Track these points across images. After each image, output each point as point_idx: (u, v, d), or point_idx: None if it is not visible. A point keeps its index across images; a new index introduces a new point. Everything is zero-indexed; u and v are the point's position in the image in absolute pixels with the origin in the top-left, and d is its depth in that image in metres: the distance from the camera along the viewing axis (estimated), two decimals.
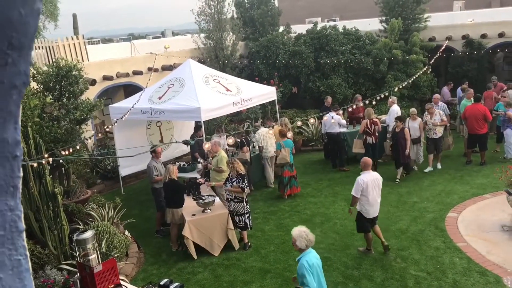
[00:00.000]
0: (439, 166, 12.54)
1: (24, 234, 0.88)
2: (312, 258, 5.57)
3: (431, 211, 9.93)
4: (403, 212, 10.02)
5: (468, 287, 7.09)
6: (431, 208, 10.08)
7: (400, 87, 13.15)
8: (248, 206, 9.16)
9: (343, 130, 13.29)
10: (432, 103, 13.01)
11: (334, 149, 13.35)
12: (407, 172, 12.18)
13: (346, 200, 10.97)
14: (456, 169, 12.42)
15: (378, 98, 10.78)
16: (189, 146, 13.20)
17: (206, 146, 9.65)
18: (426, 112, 12.53)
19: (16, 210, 0.87)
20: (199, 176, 11.01)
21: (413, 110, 12.59)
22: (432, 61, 15.59)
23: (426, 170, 12.38)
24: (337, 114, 13.00)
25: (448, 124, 13.12)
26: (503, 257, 7.79)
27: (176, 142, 11.41)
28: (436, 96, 13.73)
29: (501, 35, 16.71)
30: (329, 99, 14.59)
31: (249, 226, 9.13)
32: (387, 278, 7.55)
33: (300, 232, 5.65)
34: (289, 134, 11.37)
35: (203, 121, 11.10)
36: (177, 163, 11.76)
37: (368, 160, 8.20)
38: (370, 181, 7.93)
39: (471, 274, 7.41)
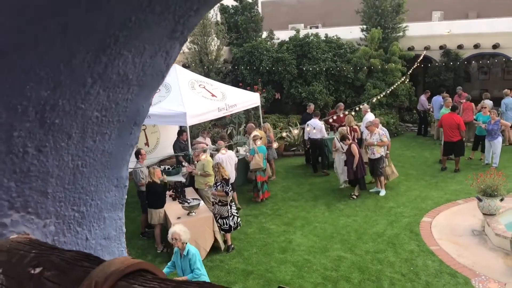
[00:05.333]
0: (382, 193, 11.70)
1: (124, 234, 1.42)
2: (194, 248, 6.63)
3: (407, 216, 10.39)
4: (380, 217, 10.46)
5: None
6: (407, 213, 10.54)
7: (379, 97, 13.56)
8: (232, 209, 9.48)
9: (325, 136, 13.69)
10: (373, 122, 12.10)
11: (316, 154, 13.73)
12: (364, 189, 11.80)
13: (326, 204, 11.37)
14: (432, 176, 12.94)
15: (357, 108, 11.20)
16: (172, 149, 13.41)
17: (203, 157, 10.06)
18: (367, 131, 11.91)
19: (122, 219, 1.41)
20: (184, 180, 11.28)
21: (342, 129, 12.22)
22: (411, 71, 16.14)
23: (372, 190, 11.92)
24: (319, 120, 13.36)
25: (388, 152, 12.11)
26: (473, 260, 8.27)
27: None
28: (376, 120, 12.44)
29: (476, 46, 17.38)
30: (312, 106, 14.99)
31: (232, 228, 9.43)
32: (363, 279, 7.94)
33: (180, 227, 6.54)
34: (275, 145, 11.74)
35: (188, 126, 11.39)
36: (161, 166, 11.99)
37: (221, 142, 11.28)
38: (225, 157, 10.72)
39: (442, 276, 7.85)
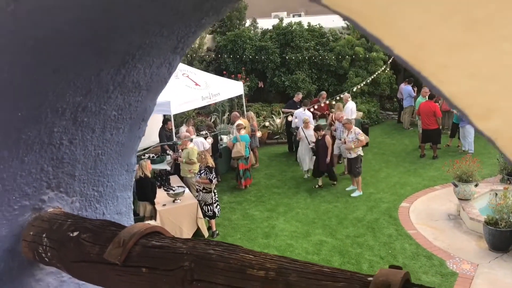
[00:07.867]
0: (355, 193, 11.22)
1: (132, 210, 1.73)
2: None
3: (386, 201, 10.73)
4: (360, 202, 10.78)
5: (416, 270, 7.87)
6: (386, 199, 10.88)
7: (359, 86, 13.80)
8: (216, 196, 9.70)
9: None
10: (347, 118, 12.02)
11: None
12: (335, 180, 11.82)
13: (308, 191, 11.65)
14: (411, 162, 13.30)
15: (338, 98, 11.44)
16: (158, 137, 13.52)
17: (191, 145, 10.27)
18: (343, 128, 11.41)
19: (131, 198, 1.70)
20: (169, 168, 11.43)
21: (305, 118, 12.18)
22: (391, 59, 16.41)
23: (348, 189, 11.49)
24: (308, 110, 13.48)
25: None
26: (448, 243, 8.64)
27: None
28: (337, 114, 12.40)
29: None
30: (300, 95, 15.16)
31: (217, 215, 9.66)
32: (344, 263, 8.25)
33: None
34: (259, 134, 11.90)
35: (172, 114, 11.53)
36: (146, 155, 12.10)
37: (190, 130, 11.49)
38: (199, 142, 10.93)
39: (419, 258, 8.20)
